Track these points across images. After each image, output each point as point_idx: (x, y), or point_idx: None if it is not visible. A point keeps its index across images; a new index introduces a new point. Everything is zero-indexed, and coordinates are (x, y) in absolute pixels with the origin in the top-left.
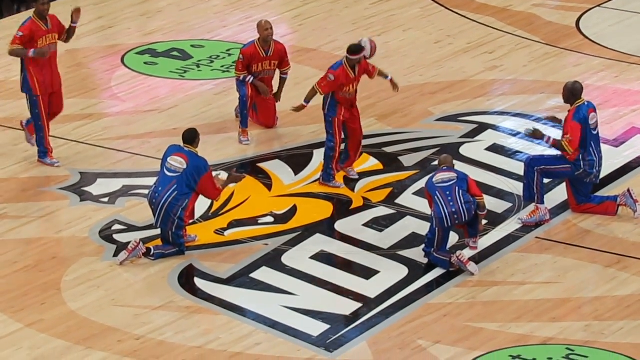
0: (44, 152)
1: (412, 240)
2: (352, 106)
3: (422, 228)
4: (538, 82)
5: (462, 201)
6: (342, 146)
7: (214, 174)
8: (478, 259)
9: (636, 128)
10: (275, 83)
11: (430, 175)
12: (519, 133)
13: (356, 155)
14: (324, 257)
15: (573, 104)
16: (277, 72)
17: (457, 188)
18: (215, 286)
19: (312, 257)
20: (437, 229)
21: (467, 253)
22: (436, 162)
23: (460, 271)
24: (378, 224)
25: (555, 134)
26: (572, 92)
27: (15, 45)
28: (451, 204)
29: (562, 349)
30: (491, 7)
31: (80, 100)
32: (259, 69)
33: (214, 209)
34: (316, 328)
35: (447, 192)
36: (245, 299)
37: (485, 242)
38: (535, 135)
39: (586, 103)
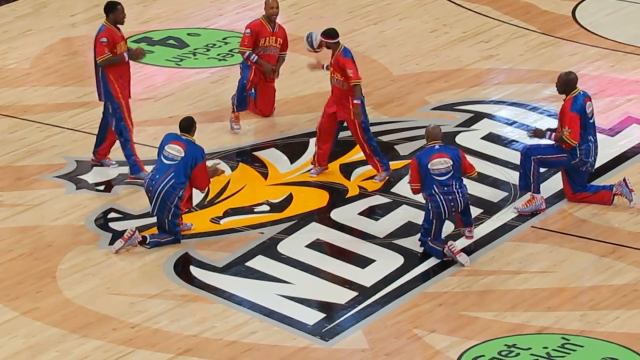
0: (137, 165)
1: (407, 229)
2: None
3: (418, 217)
4: (534, 71)
5: (460, 192)
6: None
7: (210, 162)
8: (473, 248)
9: (632, 117)
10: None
11: (423, 151)
12: (514, 122)
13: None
14: (319, 246)
15: (568, 94)
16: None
17: (454, 181)
18: (211, 275)
19: (308, 246)
20: (434, 220)
21: (461, 243)
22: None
23: (455, 261)
24: (374, 213)
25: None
26: (566, 83)
27: (105, 55)
28: (449, 197)
29: (558, 338)
30: None
31: (77, 88)
32: (266, 43)
33: (209, 197)
34: (312, 317)
35: (445, 187)
36: (241, 288)
37: (480, 231)
38: (538, 134)
39: (582, 92)
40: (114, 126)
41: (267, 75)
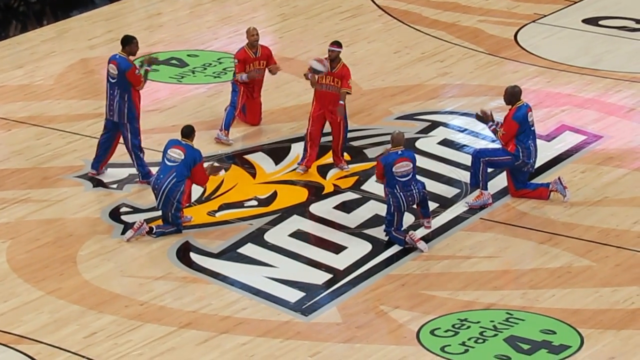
0: (147, 173)
1: (375, 220)
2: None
3: (384, 210)
4: (482, 86)
5: (416, 188)
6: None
7: (206, 164)
8: (431, 236)
9: (565, 125)
10: (267, 79)
11: (389, 154)
12: (466, 129)
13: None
14: (300, 235)
15: (514, 104)
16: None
17: (413, 182)
18: (208, 259)
19: (290, 235)
20: (395, 212)
21: (421, 232)
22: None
23: (415, 247)
24: (346, 207)
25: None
26: (512, 95)
27: (143, 83)
28: (408, 194)
29: (503, 313)
30: (442, 22)
31: (93, 101)
32: (250, 68)
33: (206, 194)
34: (293, 295)
35: (406, 187)
36: (233, 271)
37: (437, 222)
38: (485, 118)
39: (525, 104)
40: (131, 143)
41: (254, 79)
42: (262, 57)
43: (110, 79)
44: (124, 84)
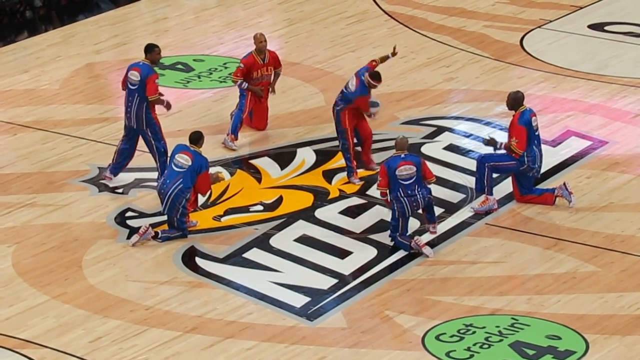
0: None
1: (380, 226)
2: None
3: (389, 215)
4: (488, 91)
5: (420, 194)
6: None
7: (213, 170)
8: (436, 241)
9: (571, 131)
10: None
11: (392, 158)
12: (471, 135)
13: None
14: (305, 240)
15: (517, 110)
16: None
17: (416, 185)
18: (213, 264)
19: (296, 240)
20: (400, 218)
21: (426, 237)
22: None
23: (420, 253)
24: (351, 212)
25: (504, 136)
26: (515, 100)
27: (157, 95)
28: (412, 199)
29: (508, 318)
30: (448, 27)
31: (99, 106)
32: (258, 74)
33: (212, 198)
34: (299, 300)
35: (409, 190)
36: (239, 275)
37: (442, 227)
38: (491, 143)
39: (528, 108)
40: (156, 147)
41: (258, 97)
42: (269, 63)
43: (130, 86)
44: (144, 91)
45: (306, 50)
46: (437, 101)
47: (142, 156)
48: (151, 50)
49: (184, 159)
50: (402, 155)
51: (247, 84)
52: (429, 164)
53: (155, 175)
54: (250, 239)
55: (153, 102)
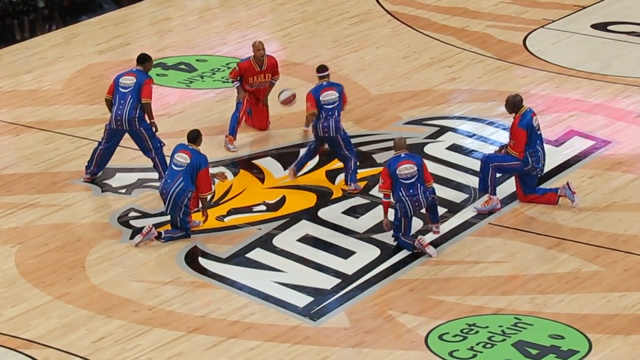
0: None
1: (383, 225)
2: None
3: (392, 215)
4: (490, 91)
5: (423, 195)
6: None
7: (215, 170)
8: (439, 241)
9: (574, 130)
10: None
11: (392, 159)
12: (474, 134)
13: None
14: (308, 240)
15: (517, 112)
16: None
17: (418, 184)
18: (216, 264)
19: (299, 240)
20: (402, 218)
21: (429, 237)
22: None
23: (424, 252)
24: (355, 212)
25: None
26: (514, 104)
27: (149, 100)
28: (414, 198)
29: (511, 318)
30: (451, 27)
31: (102, 106)
32: (254, 81)
33: (215, 199)
34: (302, 300)
35: (411, 190)
36: (242, 276)
37: (445, 227)
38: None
39: (528, 109)
40: (152, 144)
41: (241, 97)
42: (267, 70)
43: (122, 89)
44: (138, 94)
45: (309, 51)
46: (440, 101)
47: (145, 157)
48: (147, 60)
49: (182, 158)
50: (402, 155)
51: (238, 84)
52: (431, 165)
53: (156, 175)
54: (254, 239)
55: (146, 105)
